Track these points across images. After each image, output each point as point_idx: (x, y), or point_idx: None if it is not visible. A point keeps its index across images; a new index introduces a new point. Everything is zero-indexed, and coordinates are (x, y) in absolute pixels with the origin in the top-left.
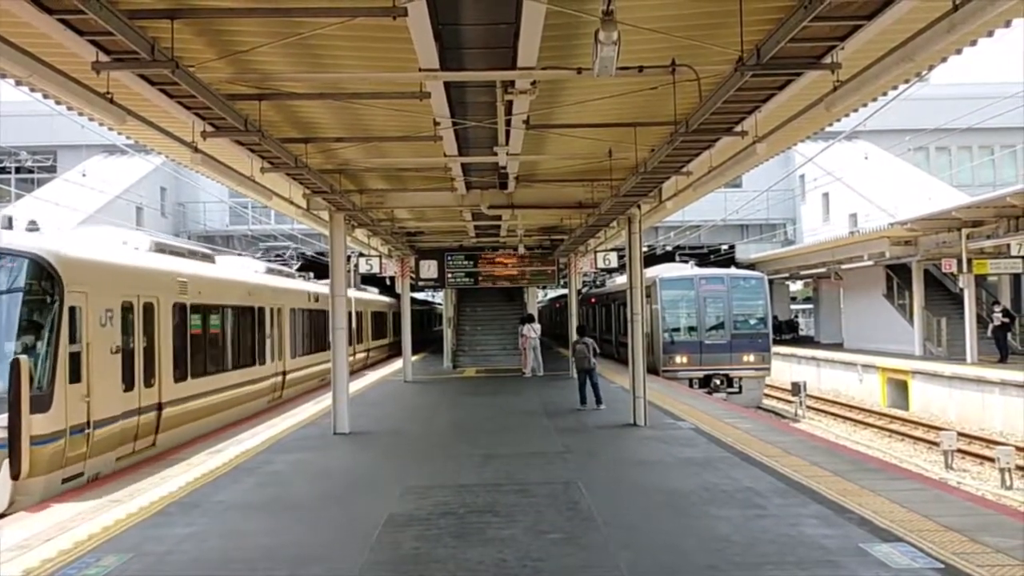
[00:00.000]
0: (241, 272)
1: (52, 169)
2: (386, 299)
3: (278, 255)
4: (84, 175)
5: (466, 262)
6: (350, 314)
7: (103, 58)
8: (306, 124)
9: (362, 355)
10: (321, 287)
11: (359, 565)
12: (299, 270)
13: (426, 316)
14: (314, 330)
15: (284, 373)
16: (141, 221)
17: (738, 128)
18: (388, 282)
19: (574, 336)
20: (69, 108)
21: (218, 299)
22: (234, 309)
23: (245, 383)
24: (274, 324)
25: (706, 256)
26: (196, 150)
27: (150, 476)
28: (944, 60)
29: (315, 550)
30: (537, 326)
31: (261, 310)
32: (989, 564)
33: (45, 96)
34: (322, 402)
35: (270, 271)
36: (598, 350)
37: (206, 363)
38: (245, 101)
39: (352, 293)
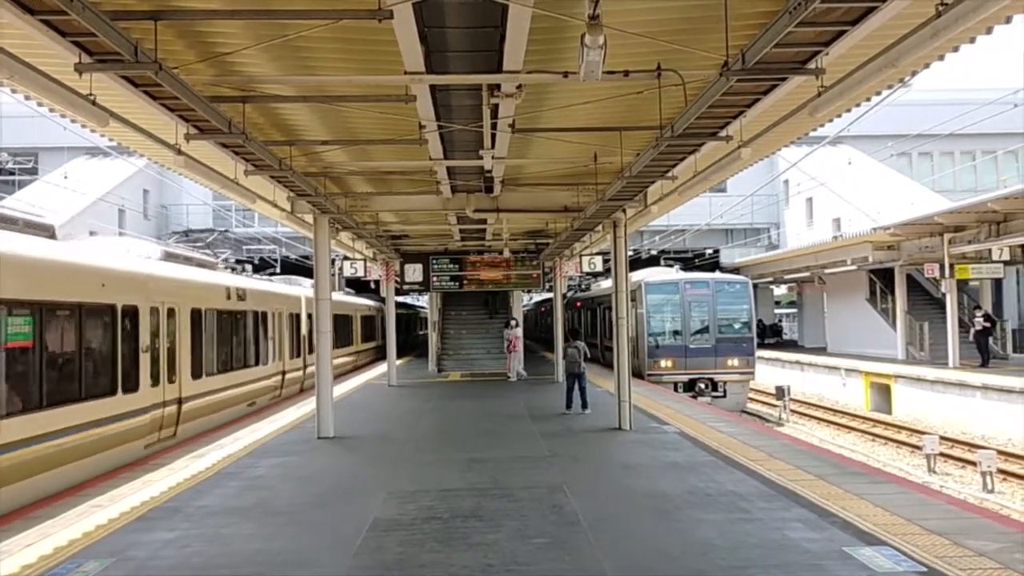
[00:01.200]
0: (100, 255)
1: (34, 171)
2: (357, 300)
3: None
4: (66, 177)
5: (451, 266)
6: (295, 316)
7: (86, 59)
8: (290, 127)
9: (300, 372)
10: (251, 281)
11: (343, 570)
12: (282, 272)
13: (404, 321)
14: (236, 339)
15: (179, 401)
16: (123, 223)
17: (723, 133)
18: (372, 285)
19: (561, 340)
20: (51, 109)
21: (33, 292)
22: (73, 308)
23: (93, 423)
24: (161, 331)
25: (691, 260)
26: (179, 152)
27: (132, 481)
28: (927, 66)
29: (299, 555)
30: (519, 329)
31: (132, 311)
32: (971, 568)
33: (27, 97)
34: (306, 406)
35: (169, 256)
36: (588, 355)
37: (6, 398)
38: (229, 103)
39: (295, 290)
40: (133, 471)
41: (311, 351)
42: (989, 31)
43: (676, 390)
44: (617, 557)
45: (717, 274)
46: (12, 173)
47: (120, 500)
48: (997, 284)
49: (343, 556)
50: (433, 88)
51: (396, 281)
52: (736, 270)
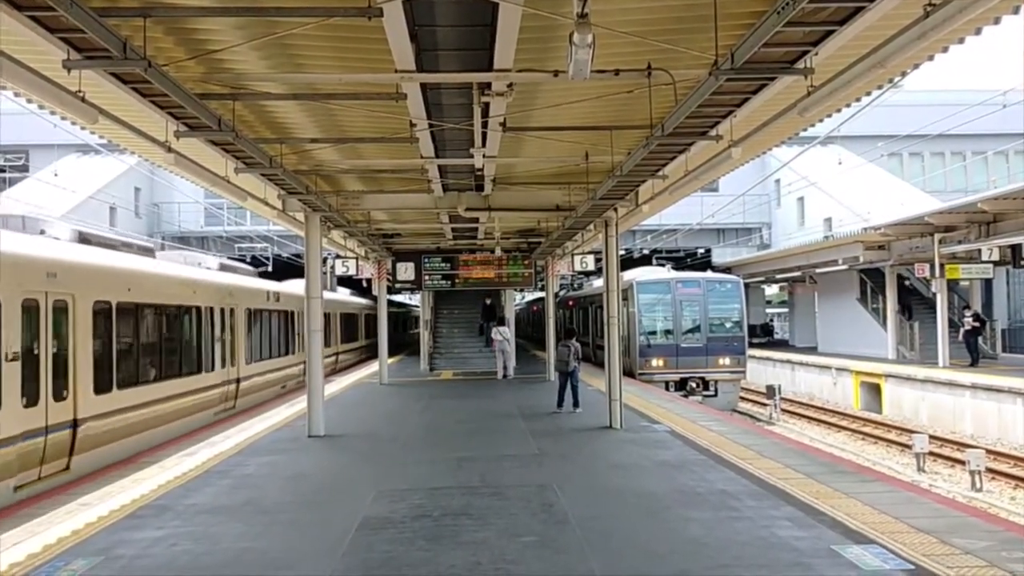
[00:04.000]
0: None
1: (24, 168)
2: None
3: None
4: (56, 175)
5: (443, 264)
6: (193, 312)
7: (74, 56)
8: (281, 125)
9: (197, 397)
10: None
11: (331, 569)
12: (275, 271)
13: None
14: None
15: None
16: (114, 221)
17: (713, 132)
18: (365, 284)
19: (554, 339)
20: (41, 107)
21: None
22: None
23: None
24: None
25: (683, 260)
26: (169, 150)
27: (121, 479)
28: (916, 67)
29: (287, 554)
30: (504, 328)
31: None
32: (958, 565)
33: (16, 94)
34: (297, 404)
35: None
36: (580, 354)
37: None
38: (219, 101)
39: (189, 272)
40: (122, 470)
41: (109, 386)
42: (978, 32)
43: (667, 389)
44: (606, 556)
45: (709, 273)
46: (3, 170)
47: (109, 498)
48: (987, 284)
49: (332, 555)
50: (424, 86)
51: (388, 280)
52: (728, 269)
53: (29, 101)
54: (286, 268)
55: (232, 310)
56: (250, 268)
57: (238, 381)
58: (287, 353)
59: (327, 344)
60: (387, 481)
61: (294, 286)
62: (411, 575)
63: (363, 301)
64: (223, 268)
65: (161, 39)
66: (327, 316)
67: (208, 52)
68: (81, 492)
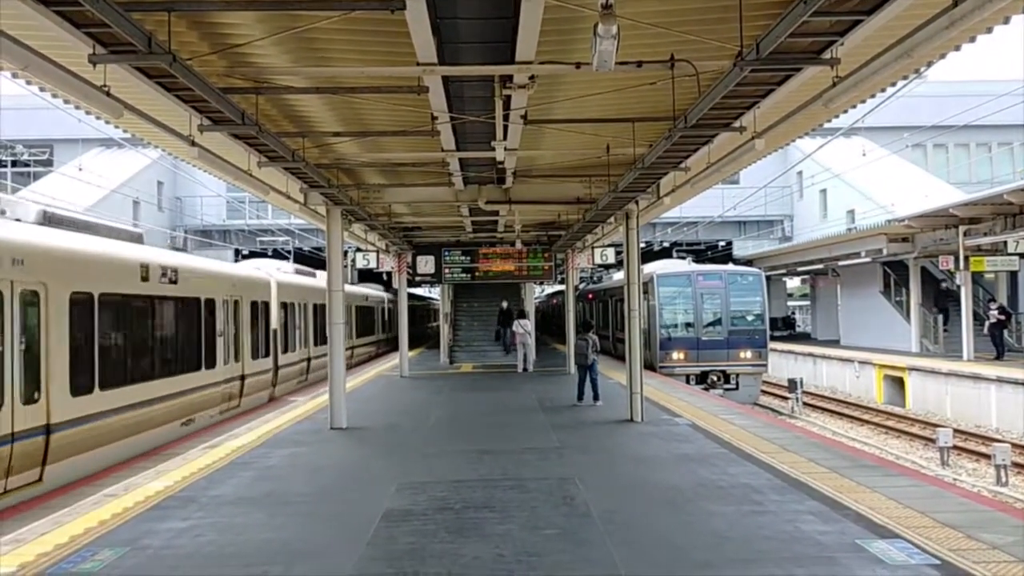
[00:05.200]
0: None
1: (49, 163)
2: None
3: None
4: (80, 169)
5: (463, 257)
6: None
7: (100, 51)
8: (303, 118)
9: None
10: None
11: (355, 560)
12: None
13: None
14: None
15: None
16: (138, 215)
17: (737, 123)
18: (385, 277)
19: (573, 332)
20: (66, 101)
21: None
22: None
23: None
24: None
25: (703, 252)
26: (193, 144)
27: (145, 470)
28: (943, 56)
29: (311, 545)
30: (525, 321)
31: None
32: (985, 560)
33: (42, 89)
34: (319, 397)
35: None
36: (599, 347)
37: None
38: (242, 95)
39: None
40: (147, 461)
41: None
42: (1007, 21)
43: (688, 382)
44: (628, 549)
45: (730, 266)
46: (27, 164)
47: (134, 489)
48: (1012, 276)
49: (355, 546)
50: (445, 79)
51: (408, 273)
52: (749, 262)
53: (54, 96)
54: (308, 261)
55: (33, 294)
56: (134, 231)
57: (48, 431)
58: (199, 366)
59: (266, 353)
60: (409, 473)
61: (221, 265)
62: (435, 566)
63: (359, 290)
64: (51, 221)
65: (185, 33)
66: (284, 308)
67: (231, 46)
68: (107, 483)
